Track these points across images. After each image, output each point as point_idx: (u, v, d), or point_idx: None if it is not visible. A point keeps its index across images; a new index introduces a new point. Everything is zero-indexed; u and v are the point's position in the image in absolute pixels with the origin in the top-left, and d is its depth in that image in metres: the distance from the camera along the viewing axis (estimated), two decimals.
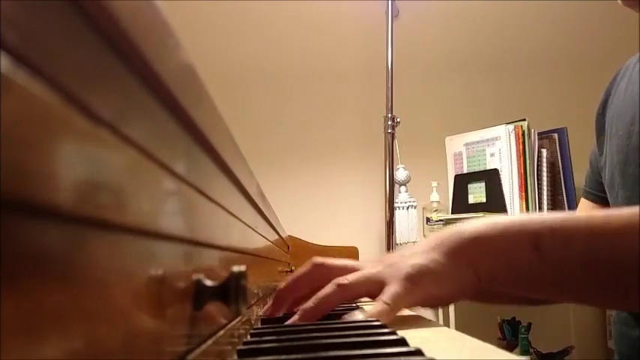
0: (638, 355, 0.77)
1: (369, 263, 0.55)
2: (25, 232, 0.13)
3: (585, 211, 0.94)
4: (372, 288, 0.51)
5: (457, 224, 0.55)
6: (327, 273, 0.54)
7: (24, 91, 0.13)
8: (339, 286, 0.51)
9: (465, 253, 0.51)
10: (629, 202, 0.76)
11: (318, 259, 0.56)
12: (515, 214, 1.68)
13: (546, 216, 0.52)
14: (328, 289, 0.51)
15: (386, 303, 0.49)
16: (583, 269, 0.49)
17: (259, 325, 0.53)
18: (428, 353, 0.34)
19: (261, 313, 0.58)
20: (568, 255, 0.49)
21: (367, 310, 0.50)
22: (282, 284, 0.57)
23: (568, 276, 0.50)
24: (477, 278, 0.51)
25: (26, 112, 0.13)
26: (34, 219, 0.13)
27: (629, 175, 0.75)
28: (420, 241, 0.58)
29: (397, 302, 0.49)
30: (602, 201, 0.90)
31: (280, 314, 0.56)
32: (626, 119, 0.77)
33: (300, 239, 1.81)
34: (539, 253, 0.49)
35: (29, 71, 0.13)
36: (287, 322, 0.50)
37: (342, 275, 0.53)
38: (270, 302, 0.57)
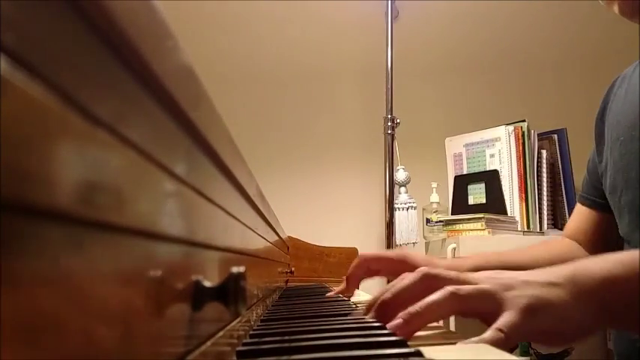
0: (637, 357, 0.77)
1: (481, 276, 0.51)
2: (23, 232, 0.13)
3: (581, 216, 0.95)
4: (487, 307, 0.47)
5: (582, 260, 0.51)
6: (437, 285, 0.49)
7: (22, 92, 0.13)
8: (454, 295, 0.47)
9: (594, 294, 0.47)
10: (632, 206, 0.76)
11: (429, 271, 0.51)
12: (516, 214, 1.68)
13: None
14: (440, 295, 0.47)
15: (502, 331, 0.44)
16: None
17: (259, 326, 0.52)
18: (426, 354, 0.34)
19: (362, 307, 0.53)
20: None
21: (481, 336, 0.45)
22: (387, 294, 0.51)
23: None
24: (605, 320, 0.48)
25: (24, 113, 0.13)
26: (32, 220, 0.13)
27: (632, 179, 0.75)
28: (539, 270, 0.51)
29: (513, 333, 0.45)
30: (598, 207, 0.91)
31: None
32: (626, 124, 0.77)
33: (299, 240, 1.81)
34: None
35: (27, 72, 0.13)
36: (388, 326, 0.46)
37: (450, 278, 0.50)
38: (372, 312, 0.52)
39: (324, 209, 2.06)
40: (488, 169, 1.77)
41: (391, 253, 1.01)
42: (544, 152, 1.76)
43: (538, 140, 1.76)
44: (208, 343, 0.31)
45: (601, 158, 0.86)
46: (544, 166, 1.75)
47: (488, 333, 0.45)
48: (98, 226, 0.17)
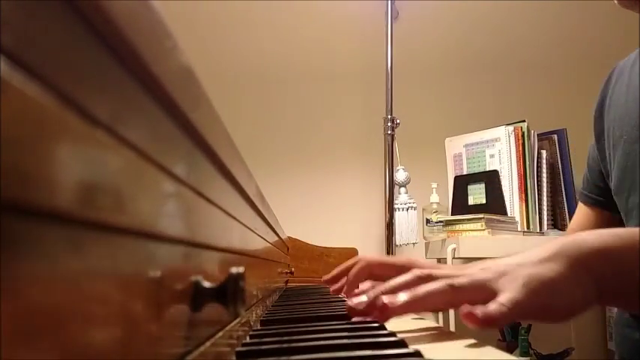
0: (639, 356, 0.77)
1: (474, 268, 0.51)
2: (22, 233, 0.13)
3: (584, 215, 0.93)
4: (482, 296, 0.46)
5: (577, 233, 0.51)
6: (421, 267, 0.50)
7: (21, 93, 0.13)
8: (449, 286, 0.47)
9: (588, 266, 0.47)
10: None
11: (423, 271, 0.51)
12: (516, 215, 1.68)
13: None
14: (436, 285, 0.47)
15: (503, 304, 0.44)
16: None
17: (258, 327, 0.52)
18: (426, 354, 0.34)
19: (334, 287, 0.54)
20: None
21: (485, 306, 0.44)
22: (379, 287, 0.51)
23: None
24: (600, 293, 0.47)
25: (23, 113, 0.13)
26: (31, 220, 0.13)
27: (638, 181, 0.74)
28: (529, 250, 0.51)
29: (514, 306, 0.44)
30: (600, 205, 0.89)
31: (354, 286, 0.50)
32: (630, 123, 0.76)
33: (299, 240, 1.81)
34: None
35: (26, 73, 0.13)
36: (383, 300, 0.47)
37: (445, 275, 0.50)
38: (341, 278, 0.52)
39: (324, 209, 2.06)
40: (488, 169, 1.77)
41: (397, 259, 0.98)
42: (544, 152, 1.76)
43: (538, 140, 1.76)
44: (208, 343, 0.31)
45: (603, 155, 0.85)
46: (544, 166, 1.75)
47: (491, 305, 0.44)
48: (97, 227, 0.17)
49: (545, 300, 0.45)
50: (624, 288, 0.47)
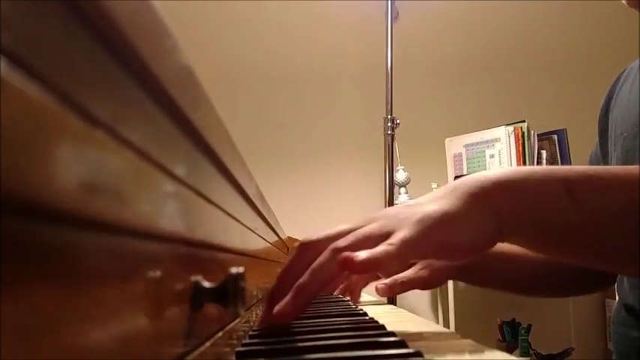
0: (636, 356, 0.78)
1: (367, 220, 0.47)
2: (22, 233, 0.13)
3: None
4: (375, 245, 0.42)
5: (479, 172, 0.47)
6: (319, 249, 0.45)
7: (20, 93, 0.13)
8: (335, 251, 0.43)
9: (487, 197, 0.44)
10: None
11: (305, 239, 0.48)
12: None
13: (577, 166, 0.47)
14: (322, 258, 0.44)
15: (392, 244, 0.41)
16: (622, 218, 0.43)
17: (258, 327, 0.52)
18: (426, 354, 0.34)
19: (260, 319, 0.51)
20: (607, 203, 0.43)
21: (370, 250, 0.41)
22: (303, 278, 0.46)
23: (605, 225, 0.44)
24: (500, 226, 0.44)
25: (23, 114, 0.13)
26: (31, 221, 0.13)
27: None
28: (434, 190, 0.53)
29: (404, 246, 0.41)
30: None
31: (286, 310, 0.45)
32: (630, 121, 0.77)
33: (299, 241, 1.81)
34: (574, 198, 0.43)
35: (26, 73, 0.13)
36: (276, 308, 0.43)
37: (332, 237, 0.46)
38: (264, 305, 0.49)
39: (325, 209, 2.06)
40: (488, 169, 1.77)
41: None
42: (544, 152, 1.76)
43: (538, 140, 1.76)
44: (207, 343, 0.31)
45: (605, 152, 0.86)
46: (544, 166, 1.75)
47: (378, 247, 0.41)
48: (97, 227, 0.17)
49: (440, 236, 0.43)
50: (526, 219, 0.45)
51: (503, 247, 0.50)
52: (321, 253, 0.44)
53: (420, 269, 0.73)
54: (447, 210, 0.43)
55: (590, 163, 0.93)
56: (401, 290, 0.73)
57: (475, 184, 0.44)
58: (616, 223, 0.44)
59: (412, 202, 0.47)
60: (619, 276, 0.78)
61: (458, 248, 0.44)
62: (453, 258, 0.47)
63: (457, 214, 0.43)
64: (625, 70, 0.88)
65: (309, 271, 0.43)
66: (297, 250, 0.48)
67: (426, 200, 0.45)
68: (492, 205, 0.44)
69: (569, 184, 0.43)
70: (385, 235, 0.43)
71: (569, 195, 0.43)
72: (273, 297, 0.47)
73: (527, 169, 0.47)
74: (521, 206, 0.44)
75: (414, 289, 0.74)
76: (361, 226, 0.46)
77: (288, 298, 0.43)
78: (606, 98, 0.89)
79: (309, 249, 0.47)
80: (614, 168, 0.46)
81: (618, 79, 0.89)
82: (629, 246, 0.44)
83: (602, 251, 0.47)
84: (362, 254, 0.40)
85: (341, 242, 0.44)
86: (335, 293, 0.86)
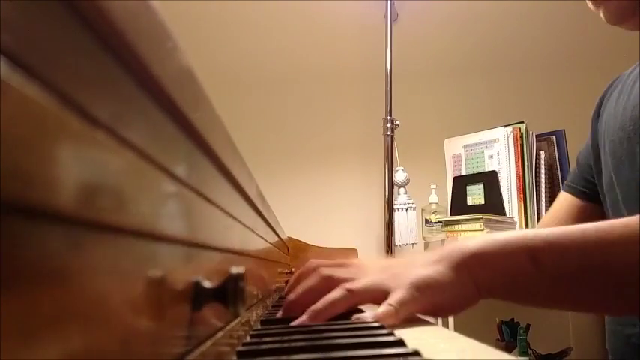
0: (630, 353, 0.79)
1: (374, 269, 0.59)
2: (22, 234, 0.13)
3: (561, 205, 0.97)
4: (378, 295, 0.54)
5: (459, 239, 0.57)
6: (334, 284, 0.57)
7: (20, 93, 0.13)
8: (349, 291, 0.55)
9: (466, 267, 0.54)
10: (624, 201, 0.80)
11: (325, 271, 0.59)
12: (514, 215, 1.68)
13: (543, 230, 0.55)
14: (337, 293, 0.55)
15: (391, 305, 0.51)
16: (579, 279, 0.52)
17: (258, 327, 0.53)
18: (426, 354, 0.34)
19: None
20: (564, 265, 0.52)
21: (373, 311, 0.52)
22: (291, 295, 0.59)
23: (565, 286, 0.53)
24: (478, 289, 0.54)
25: (23, 114, 0.13)
26: (31, 221, 0.13)
27: (623, 177, 0.80)
28: (423, 253, 0.67)
29: (402, 306, 0.52)
30: (583, 196, 0.94)
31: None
32: (616, 126, 0.82)
33: (299, 241, 1.81)
34: (537, 265, 0.52)
35: (26, 74, 0.13)
36: (294, 322, 0.52)
37: (344, 278, 0.57)
38: (280, 312, 0.60)
39: (324, 210, 2.06)
40: (486, 170, 1.77)
41: (336, 261, 1.06)
42: (542, 153, 1.76)
43: (536, 141, 1.76)
44: (208, 343, 0.31)
45: (597, 154, 0.89)
46: (542, 167, 1.75)
47: (381, 307, 0.52)
48: (97, 227, 0.17)
49: (430, 298, 0.53)
50: (498, 286, 0.54)
51: None
52: (334, 286, 0.56)
53: None
54: (436, 277, 0.53)
55: (578, 163, 0.97)
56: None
57: (458, 255, 0.54)
58: (573, 282, 0.52)
59: (409, 261, 0.58)
60: None
61: (444, 309, 0.54)
62: (440, 315, 0.58)
63: (444, 281, 0.53)
64: (616, 78, 0.92)
65: (324, 301, 0.54)
66: (319, 279, 0.59)
67: (419, 264, 0.56)
68: (470, 273, 0.54)
69: (533, 252, 0.52)
70: (385, 291, 0.54)
71: (532, 262, 0.52)
72: (289, 308, 0.58)
73: (502, 239, 0.55)
74: (493, 274, 0.54)
75: None
76: (368, 273, 0.58)
77: (305, 317, 0.53)
78: (597, 104, 0.93)
79: (328, 282, 0.58)
80: (572, 230, 0.53)
81: (609, 87, 0.92)
82: (586, 301, 0.54)
83: (565, 305, 0.59)
84: (369, 313, 0.52)
85: (355, 286, 0.55)
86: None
